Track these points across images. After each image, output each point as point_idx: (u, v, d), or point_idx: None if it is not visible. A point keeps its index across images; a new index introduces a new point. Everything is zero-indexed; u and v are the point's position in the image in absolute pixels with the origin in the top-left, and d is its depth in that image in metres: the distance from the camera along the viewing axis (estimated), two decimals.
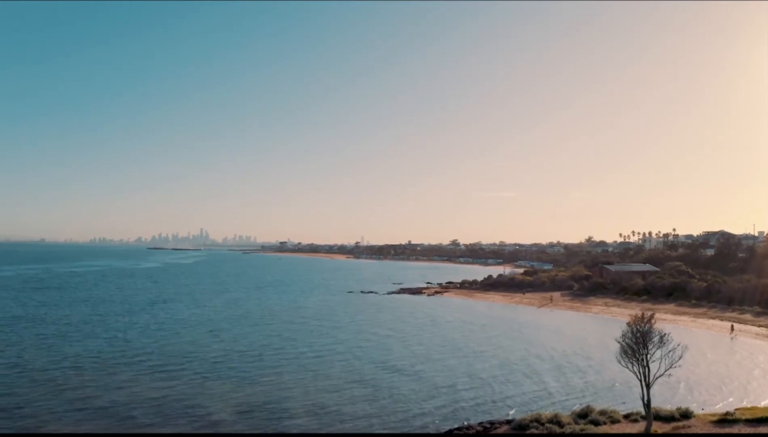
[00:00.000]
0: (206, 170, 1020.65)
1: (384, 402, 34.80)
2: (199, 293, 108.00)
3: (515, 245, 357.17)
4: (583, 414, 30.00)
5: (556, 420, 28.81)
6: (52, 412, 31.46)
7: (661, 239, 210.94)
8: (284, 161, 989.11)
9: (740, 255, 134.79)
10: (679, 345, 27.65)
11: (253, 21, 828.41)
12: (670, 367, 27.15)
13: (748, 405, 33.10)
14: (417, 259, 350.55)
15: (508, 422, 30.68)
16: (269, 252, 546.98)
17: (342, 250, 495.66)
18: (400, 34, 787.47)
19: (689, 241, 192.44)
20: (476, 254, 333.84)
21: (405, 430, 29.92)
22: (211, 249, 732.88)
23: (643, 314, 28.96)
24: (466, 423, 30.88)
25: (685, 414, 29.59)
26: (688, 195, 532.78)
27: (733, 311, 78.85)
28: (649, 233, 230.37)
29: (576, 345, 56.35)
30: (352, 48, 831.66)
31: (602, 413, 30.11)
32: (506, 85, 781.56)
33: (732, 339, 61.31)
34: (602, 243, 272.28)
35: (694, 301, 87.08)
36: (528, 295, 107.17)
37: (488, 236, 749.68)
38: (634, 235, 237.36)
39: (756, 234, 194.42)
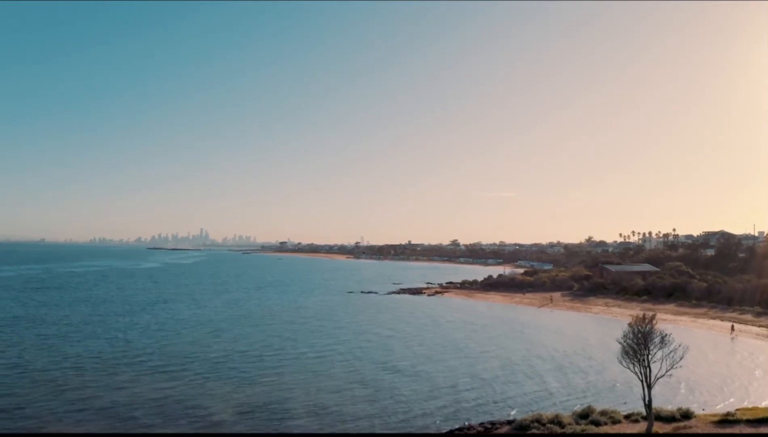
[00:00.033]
0: (206, 170, 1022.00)
1: (385, 402, 34.82)
2: (199, 293, 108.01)
3: (515, 245, 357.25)
4: (584, 415, 30.03)
5: (557, 421, 28.86)
6: (54, 413, 31.47)
7: (661, 240, 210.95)
8: (284, 161, 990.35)
9: (740, 255, 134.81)
10: (680, 345, 27.68)
11: (253, 21, 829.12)
12: (671, 368, 27.18)
13: (749, 406, 33.11)
14: (417, 259, 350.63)
15: (509, 422, 30.70)
16: (269, 252, 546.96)
17: (342, 250, 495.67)
18: (400, 34, 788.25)
19: (689, 241, 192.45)
20: (476, 254, 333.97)
21: (406, 430, 29.93)
22: (211, 249, 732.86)
23: (644, 315, 28.99)
24: (467, 423, 30.89)
25: (686, 415, 29.62)
26: (688, 195, 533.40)
27: (733, 311, 78.89)
28: (649, 233, 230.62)
29: (577, 346, 56.36)
30: (352, 48, 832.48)
31: (603, 413, 30.13)
32: (506, 85, 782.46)
33: (732, 339, 61.33)
34: (602, 243, 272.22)
35: (694, 301, 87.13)
36: (528, 295, 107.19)
37: (488, 236, 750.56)
38: (634, 235, 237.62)
39: (756, 234, 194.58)
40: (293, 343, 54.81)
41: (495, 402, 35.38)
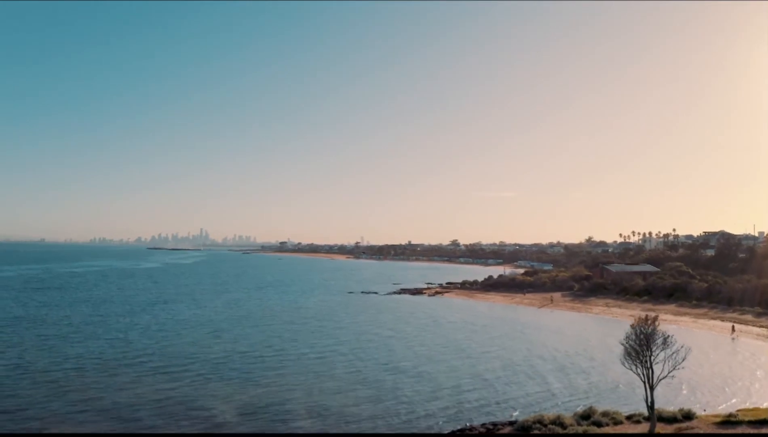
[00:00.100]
0: (206, 170, 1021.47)
1: (388, 403, 34.81)
2: (199, 293, 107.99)
3: (515, 245, 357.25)
4: (586, 416, 30.01)
5: (558, 422, 28.84)
6: (56, 414, 31.44)
7: (661, 240, 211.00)
8: (284, 161, 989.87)
9: (740, 256, 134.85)
10: (682, 346, 27.67)
11: (253, 21, 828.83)
12: (674, 369, 27.18)
13: (751, 406, 33.12)
14: (417, 259, 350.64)
15: (511, 423, 30.69)
16: (269, 252, 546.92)
17: (342, 250, 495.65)
18: (400, 34, 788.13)
19: (689, 241, 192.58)
20: (476, 254, 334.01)
21: (409, 431, 29.93)
22: (210, 249, 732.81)
23: (646, 316, 28.99)
24: (468, 424, 30.88)
25: (688, 416, 29.62)
26: (688, 195, 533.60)
27: (733, 311, 78.87)
28: (650, 234, 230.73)
29: (578, 346, 56.36)
30: (352, 48, 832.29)
31: (605, 414, 30.12)
32: (506, 85, 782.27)
33: (733, 339, 61.33)
34: (602, 243, 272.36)
35: (694, 302, 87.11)
36: (528, 296, 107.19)
37: (488, 236, 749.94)
38: (634, 235, 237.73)
39: (756, 235, 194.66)
40: (294, 344, 54.80)
41: (497, 403, 35.39)
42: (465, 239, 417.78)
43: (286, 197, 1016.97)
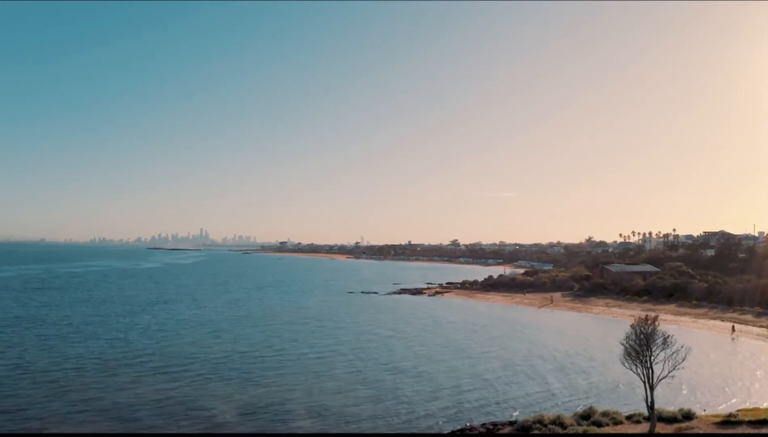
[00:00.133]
0: (206, 170, 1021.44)
1: (388, 403, 34.82)
2: (199, 293, 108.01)
3: (515, 245, 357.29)
4: (586, 416, 30.03)
5: (558, 422, 28.86)
6: (56, 414, 31.45)
7: (661, 240, 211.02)
8: (284, 161, 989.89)
9: (740, 256, 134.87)
10: (682, 346, 27.69)
11: (253, 21, 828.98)
12: (674, 369, 27.19)
13: (751, 406, 33.13)
14: (417, 259, 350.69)
15: (511, 423, 30.70)
16: (269, 252, 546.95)
17: (342, 250, 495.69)
18: (400, 34, 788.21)
19: (689, 241, 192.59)
20: (476, 254, 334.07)
21: (409, 431, 29.94)
22: (210, 249, 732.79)
23: (646, 316, 29.00)
24: (468, 424, 30.89)
25: (688, 416, 29.63)
26: (688, 195, 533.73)
27: (733, 311, 78.87)
28: (650, 234, 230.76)
29: (578, 346, 56.37)
30: (352, 48, 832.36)
31: (605, 414, 30.14)
32: (506, 85, 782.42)
33: (733, 339, 61.33)
34: (602, 243, 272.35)
35: (694, 302, 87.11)
36: (528, 296, 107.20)
37: (488, 236, 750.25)
38: (634, 235, 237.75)
39: (756, 235, 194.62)
40: (294, 344, 54.81)
41: (497, 403, 35.40)
42: (465, 239, 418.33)
43: (286, 197, 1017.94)
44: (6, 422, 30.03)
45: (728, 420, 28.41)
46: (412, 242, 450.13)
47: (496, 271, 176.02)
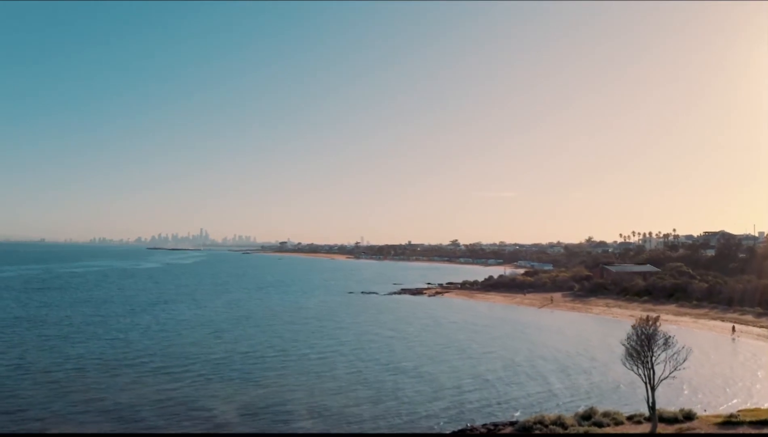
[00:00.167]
0: (206, 170, 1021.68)
1: (389, 403, 34.84)
2: (200, 293, 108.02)
3: (515, 245, 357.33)
4: (587, 416, 30.08)
5: (559, 422, 28.92)
6: (57, 415, 31.45)
7: (661, 240, 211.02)
8: (284, 161, 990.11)
9: (741, 256, 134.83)
10: (683, 347, 27.73)
11: (253, 21, 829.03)
12: (675, 370, 27.22)
13: (752, 407, 33.14)
14: (417, 259, 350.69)
15: (512, 424, 30.73)
16: (269, 252, 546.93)
17: (342, 250, 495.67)
18: (400, 34, 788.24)
19: (689, 241, 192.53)
20: (476, 254, 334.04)
21: (410, 432, 29.97)
22: (210, 249, 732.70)
23: (648, 316, 29.03)
24: (469, 424, 30.91)
25: (689, 416, 29.67)
26: (688, 195, 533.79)
27: (734, 312, 78.88)
28: (650, 234, 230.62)
29: (579, 346, 56.39)
30: (352, 48, 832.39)
31: (606, 415, 30.18)
32: (506, 85, 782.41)
33: (733, 340, 61.33)
34: (602, 243, 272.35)
35: (695, 302, 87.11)
36: (529, 296, 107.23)
37: (488, 236, 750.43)
38: (634, 235, 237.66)
39: (756, 235, 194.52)
40: (295, 344, 54.82)
41: (498, 403, 35.42)
42: (465, 239, 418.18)
43: (286, 197, 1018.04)
44: (7, 423, 30.03)
45: (729, 421, 28.43)
46: (412, 242, 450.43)
47: (496, 271, 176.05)
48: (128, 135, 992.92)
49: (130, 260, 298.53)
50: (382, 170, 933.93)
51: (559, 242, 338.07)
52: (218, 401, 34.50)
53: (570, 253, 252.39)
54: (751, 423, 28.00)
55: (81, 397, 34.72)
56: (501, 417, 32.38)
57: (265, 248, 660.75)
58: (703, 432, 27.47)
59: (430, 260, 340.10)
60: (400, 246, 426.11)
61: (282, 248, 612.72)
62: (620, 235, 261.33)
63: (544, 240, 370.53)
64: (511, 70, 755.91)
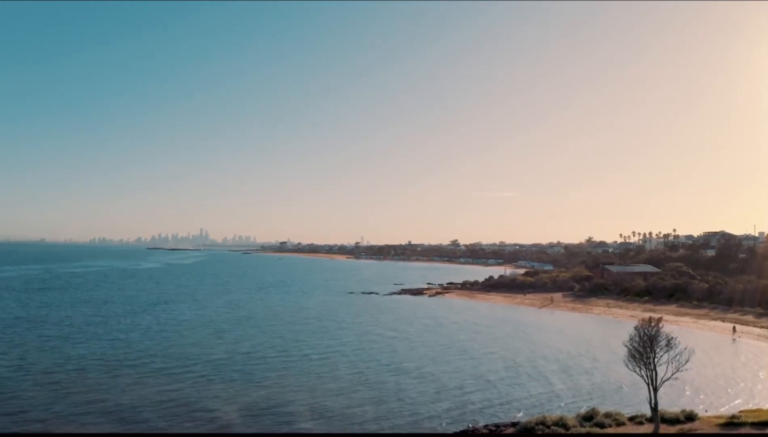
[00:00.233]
0: (206, 170, 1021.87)
1: (391, 404, 34.82)
2: (200, 294, 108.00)
3: (515, 245, 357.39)
4: (589, 417, 30.11)
5: (561, 423, 28.94)
6: (58, 416, 31.41)
7: (661, 240, 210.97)
8: (284, 161, 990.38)
9: (741, 256, 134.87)
10: (685, 348, 27.75)
11: (253, 21, 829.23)
12: (677, 371, 27.23)
13: (754, 408, 33.14)
14: (417, 259, 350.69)
15: (514, 424, 30.75)
16: (269, 252, 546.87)
17: (342, 250, 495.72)
18: (400, 34, 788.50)
19: (690, 242, 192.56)
20: (476, 254, 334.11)
21: (412, 432, 29.97)
22: (210, 249, 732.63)
23: (650, 318, 29.04)
24: (471, 425, 30.90)
25: (690, 417, 29.70)
26: (688, 195, 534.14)
27: (734, 312, 78.88)
28: (650, 234, 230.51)
29: (580, 347, 56.39)
30: (352, 48, 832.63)
31: (607, 415, 30.21)
32: (506, 85, 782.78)
33: (734, 340, 61.31)
34: (602, 244, 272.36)
35: (695, 302, 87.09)
36: (529, 296, 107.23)
37: (488, 236, 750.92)
38: (634, 235, 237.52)
39: (756, 235, 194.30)
40: (296, 344, 54.78)
41: (500, 404, 35.41)
42: (465, 239, 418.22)
43: (286, 197, 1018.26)
44: (9, 424, 29.98)
45: (731, 422, 28.44)
46: (412, 242, 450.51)
47: (496, 271, 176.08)
48: (128, 135, 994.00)
49: (130, 260, 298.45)
50: (382, 170, 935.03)
51: (559, 242, 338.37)
52: (220, 402, 34.48)
53: (570, 253, 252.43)
54: (753, 424, 28.01)
55: (82, 398, 34.70)
56: (503, 418, 32.37)
57: (265, 248, 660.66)
58: (705, 432, 27.47)
59: (430, 260, 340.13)
60: (400, 246, 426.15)
61: (282, 248, 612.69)
62: (620, 235, 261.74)
63: (544, 240, 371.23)
64: (511, 70, 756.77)
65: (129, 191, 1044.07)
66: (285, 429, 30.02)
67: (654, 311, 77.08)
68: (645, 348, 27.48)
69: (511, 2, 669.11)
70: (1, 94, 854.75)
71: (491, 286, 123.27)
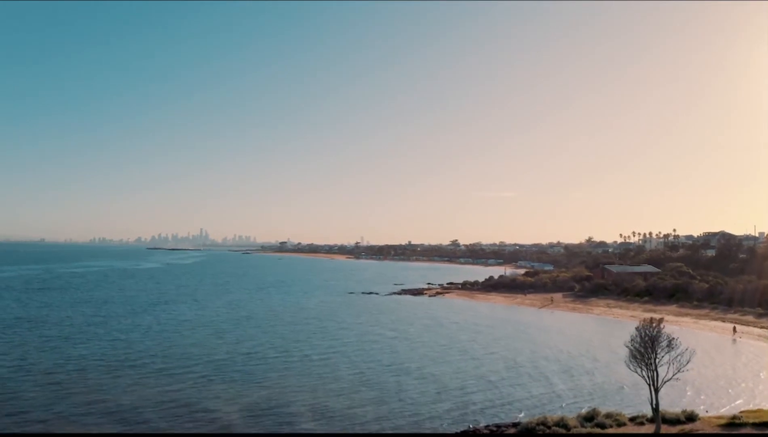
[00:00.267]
0: (206, 170, 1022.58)
1: (392, 405, 34.82)
2: (200, 294, 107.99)
3: (515, 245, 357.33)
4: (589, 417, 30.15)
5: (562, 423, 28.99)
6: (60, 416, 31.40)
7: (661, 240, 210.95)
8: (284, 161, 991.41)
9: (741, 256, 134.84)
10: (687, 349, 27.75)
11: (253, 21, 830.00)
12: (678, 372, 27.23)
13: (755, 408, 33.14)
14: (417, 259, 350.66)
15: (515, 425, 30.76)
16: (269, 252, 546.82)
17: (342, 250, 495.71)
18: (400, 34, 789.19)
19: (690, 242, 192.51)
20: (476, 254, 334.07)
21: (414, 432, 29.98)
22: (210, 249, 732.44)
23: (651, 318, 29.04)
24: (472, 426, 30.90)
25: (691, 417, 29.73)
26: (688, 195, 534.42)
27: (734, 312, 78.91)
28: (650, 234, 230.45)
29: (581, 347, 56.38)
30: (352, 48, 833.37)
31: (608, 416, 30.25)
32: (506, 85, 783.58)
33: (734, 340, 61.30)
34: (602, 244, 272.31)
35: (695, 302, 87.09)
36: (529, 296, 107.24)
37: (488, 236, 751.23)
38: (634, 235, 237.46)
39: (756, 235, 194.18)
40: (297, 345, 54.78)
41: (502, 405, 35.42)
42: (465, 239, 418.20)
43: (286, 197, 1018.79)
44: (10, 425, 29.98)
45: (732, 422, 28.44)
46: (412, 242, 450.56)
47: (496, 271, 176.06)
48: (128, 135, 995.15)
49: (130, 260, 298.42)
50: (382, 170, 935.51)
51: (559, 243, 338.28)
52: (221, 402, 34.48)
53: (570, 253, 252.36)
54: (754, 425, 28.01)
55: (83, 399, 34.69)
56: (504, 418, 32.39)
57: (265, 248, 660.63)
58: (706, 433, 27.47)
59: (430, 260, 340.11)
60: (400, 246, 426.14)
61: (282, 248, 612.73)
62: (620, 235, 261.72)
63: (544, 240, 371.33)
64: (511, 70, 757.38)
65: (129, 191, 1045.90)
66: (286, 430, 30.03)
67: (654, 311, 77.11)
68: (646, 349, 27.49)
69: (511, 2, 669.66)
70: (1, 94, 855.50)
71: (491, 286, 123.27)
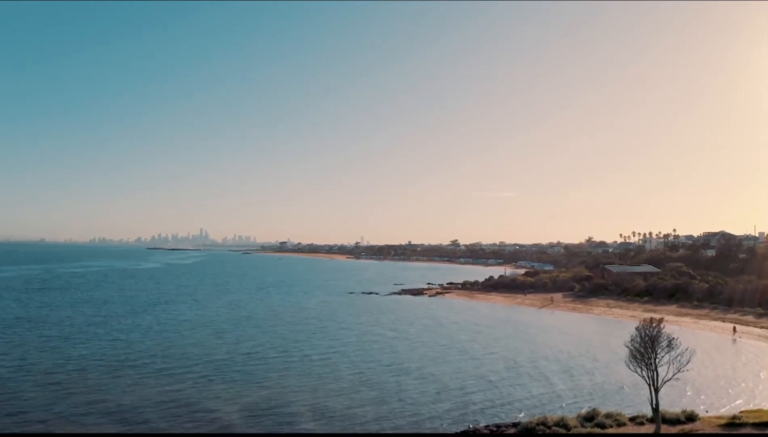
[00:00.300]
0: (206, 170, 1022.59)
1: (392, 405, 34.82)
2: (200, 294, 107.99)
3: (515, 245, 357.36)
4: (589, 417, 30.15)
5: (562, 423, 28.99)
6: (60, 416, 31.40)
7: (661, 240, 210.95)
8: (284, 161, 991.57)
9: (741, 256, 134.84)
10: (686, 349, 27.75)
11: (253, 21, 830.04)
12: (678, 372, 27.24)
13: (755, 408, 33.14)
14: (417, 259, 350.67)
15: (515, 425, 30.76)
16: (269, 252, 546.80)
17: (342, 250, 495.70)
18: (400, 34, 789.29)
19: (690, 242, 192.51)
20: (476, 254, 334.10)
21: (414, 432, 29.98)
22: (210, 249, 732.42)
23: (651, 318, 29.05)
24: (472, 426, 30.90)
25: (691, 417, 29.74)
26: (688, 195, 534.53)
27: (734, 312, 78.91)
28: (650, 234, 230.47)
29: (581, 347, 56.39)
30: (352, 48, 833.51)
31: (608, 416, 30.25)
32: (506, 85, 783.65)
33: (735, 340, 61.30)
34: (602, 244, 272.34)
35: (695, 302, 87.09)
36: (529, 296, 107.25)
37: (488, 236, 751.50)
38: (634, 235, 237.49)
39: (756, 235, 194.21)
40: (297, 345, 54.79)
41: (502, 405, 35.43)
42: (465, 239, 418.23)
43: (286, 197, 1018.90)
44: (10, 425, 29.99)
45: (732, 422, 28.45)
46: (412, 242, 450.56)
47: (496, 271, 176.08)
48: (128, 135, 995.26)
49: (130, 260, 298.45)
50: (382, 170, 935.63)
51: (559, 243, 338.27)
52: (221, 402, 34.48)
53: (570, 253, 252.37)
54: (754, 425, 28.02)
55: (83, 399, 34.70)
56: (504, 418, 32.39)
57: (265, 248, 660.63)
58: (706, 433, 27.48)
59: (430, 260, 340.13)
60: (400, 246, 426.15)
61: (282, 248, 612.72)
62: (620, 235, 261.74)
63: (544, 240, 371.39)
64: (511, 70, 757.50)
65: (129, 191, 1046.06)
66: (286, 430, 30.03)
67: (654, 311, 77.12)
68: (646, 349, 27.50)
69: (511, 2, 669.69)
70: (1, 94, 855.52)
71: (491, 286, 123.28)
